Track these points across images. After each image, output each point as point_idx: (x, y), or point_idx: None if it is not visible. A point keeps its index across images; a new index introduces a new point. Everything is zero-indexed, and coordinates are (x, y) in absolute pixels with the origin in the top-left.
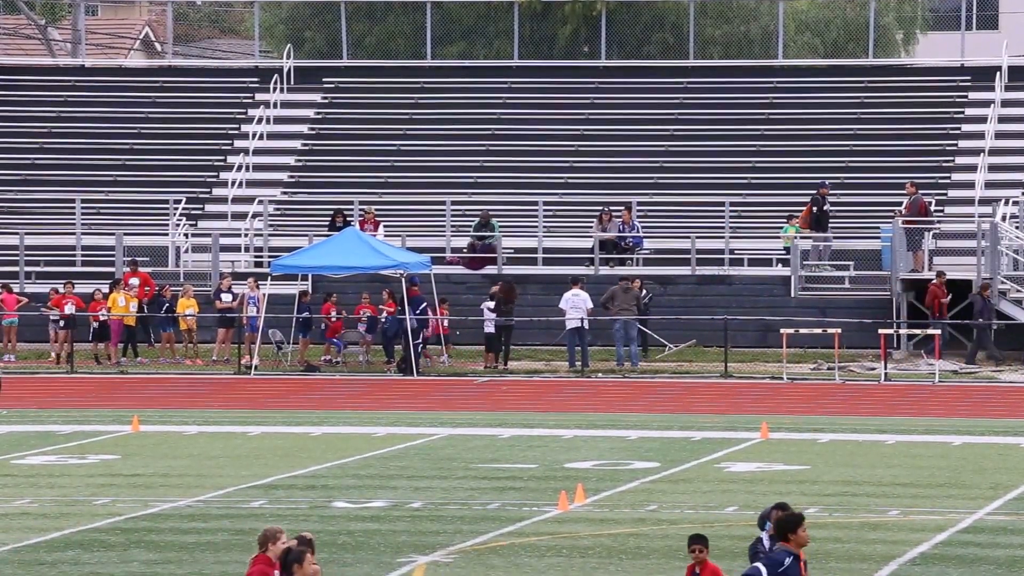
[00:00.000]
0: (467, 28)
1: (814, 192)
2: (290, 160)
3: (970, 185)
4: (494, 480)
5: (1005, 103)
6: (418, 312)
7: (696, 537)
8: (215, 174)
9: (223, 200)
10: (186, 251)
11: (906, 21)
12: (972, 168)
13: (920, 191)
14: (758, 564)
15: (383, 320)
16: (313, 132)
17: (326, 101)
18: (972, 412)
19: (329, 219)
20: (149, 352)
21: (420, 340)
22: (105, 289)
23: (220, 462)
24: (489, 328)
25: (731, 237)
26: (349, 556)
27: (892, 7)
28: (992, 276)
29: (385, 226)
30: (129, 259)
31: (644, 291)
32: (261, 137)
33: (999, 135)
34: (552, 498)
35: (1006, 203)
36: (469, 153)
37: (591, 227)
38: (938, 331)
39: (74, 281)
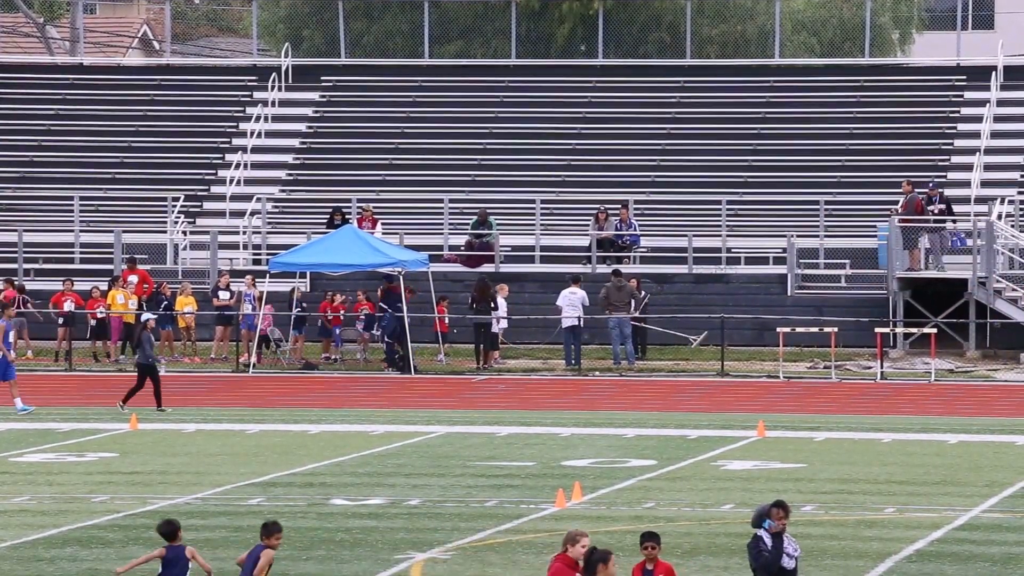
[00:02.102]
0: (465, 27)
1: (925, 192)
2: (288, 158)
3: (966, 184)
4: (491, 478)
5: (1001, 102)
6: (396, 308)
7: (649, 535)
8: (213, 172)
9: (221, 198)
10: (184, 249)
11: (902, 21)
12: (968, 167)
13: (916, 190)
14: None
15: (381, 318)
16: (311, 130)
17: (324, 99)
18: (968, 410)
19: (327, 217)
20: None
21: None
22: (103, 286)
23: (218, 460)
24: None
25: (728, 236)
26: (347, 553)
27: (888, 7)
28: (988, 275)
29: (383, 224)
30: (127, 256)
31: (643, 292)
32: (259, 135)
33: (995, 134)
34: (549, 496)
35: (1002, 202)
36: (467, 151)
37: (588, 225)
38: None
39: (73, 279)
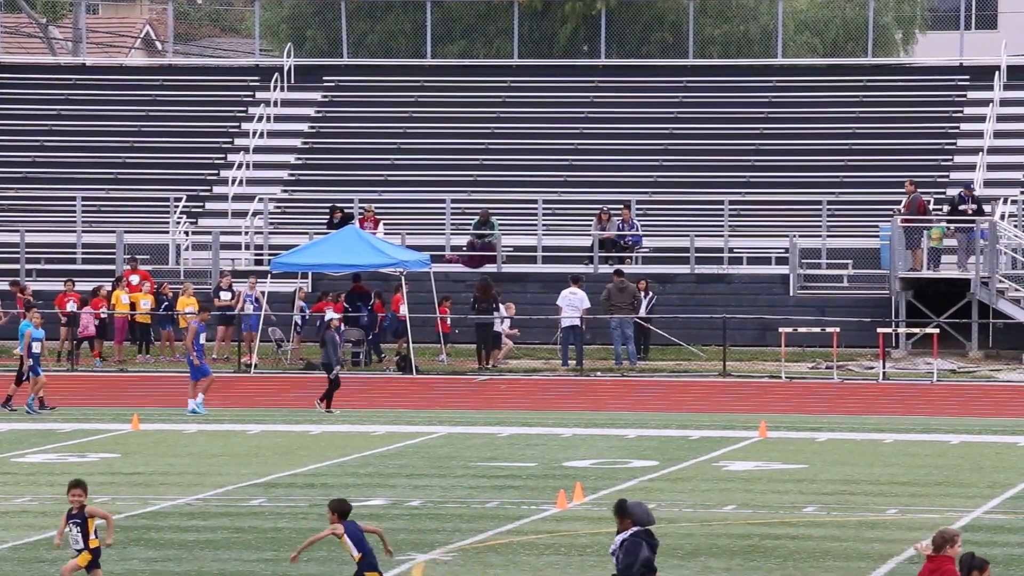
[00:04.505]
0: (467, 27)
1: (958, 192)
2: (290, 158)
3: (969, 184)
4: (493, 478)
5: (1004, 102)
6: (368, 308)
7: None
8: (215, 172)
9: (223, 198)
10: (186, 249)
11: (905, 20)
12: (971, 167)
13: (919, 190)
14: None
15: (383, 318)
16: (313, 130)
17: (326, 100)
18: (970, 411)
19: (327, 215)
20: (148, 350)
21: (371, 336)
22: (108, 287)
23: (219, 460)
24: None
25: (730, 236)
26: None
27: (891, 6)
28: (990, 275)
29: (385, 224)
30: (129, 257)
31: (649, 292)
32: (262, 135)
33: (998, 134)
34: (551, 496)
35: (1005, 202)
36: (469, 152)
37: (590, 225)
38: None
39: (75, 279)
